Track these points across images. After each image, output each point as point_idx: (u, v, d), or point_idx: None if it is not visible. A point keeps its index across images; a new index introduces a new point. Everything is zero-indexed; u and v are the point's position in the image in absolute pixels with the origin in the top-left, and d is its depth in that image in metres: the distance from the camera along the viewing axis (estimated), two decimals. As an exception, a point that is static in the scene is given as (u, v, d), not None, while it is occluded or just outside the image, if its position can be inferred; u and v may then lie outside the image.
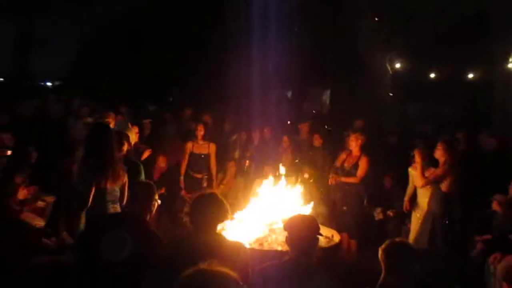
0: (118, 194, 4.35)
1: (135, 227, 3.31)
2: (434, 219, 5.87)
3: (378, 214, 7.31)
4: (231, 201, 7.34)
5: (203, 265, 1.77)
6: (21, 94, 9.87)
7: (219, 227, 3.27)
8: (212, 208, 3.17)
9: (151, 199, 3.54)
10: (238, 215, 5.48)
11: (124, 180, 4.40)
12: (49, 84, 19.49)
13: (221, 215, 3.20)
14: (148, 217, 3.53)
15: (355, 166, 6.62)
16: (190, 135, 7.82)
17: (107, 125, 4.78)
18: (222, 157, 8.05)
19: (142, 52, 15.29)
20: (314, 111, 12.47)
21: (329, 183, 6.85)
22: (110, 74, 15.17)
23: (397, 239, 3.33)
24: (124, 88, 13.45)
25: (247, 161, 8.39)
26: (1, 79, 18.18)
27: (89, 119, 7.81)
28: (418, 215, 6.13)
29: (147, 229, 3.43)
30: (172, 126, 9.26)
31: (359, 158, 6.65)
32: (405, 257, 3.15)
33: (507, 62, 9.06)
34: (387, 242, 3.23)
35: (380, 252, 3.19)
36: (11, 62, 17.92)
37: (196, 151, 7.43)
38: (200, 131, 7.39)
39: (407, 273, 3.11)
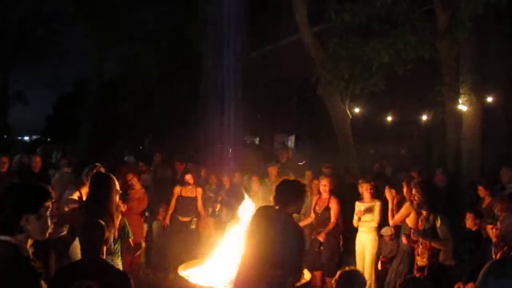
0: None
1: (99, 271, 3.23)
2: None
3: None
4: (205, 239, 7.76)
5: None
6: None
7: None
8: None
9: (103, 237, 3.39)
10: (211, 257, 5.67)
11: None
12: (26, 138, 19.47)
13: None
14: (104, 255, 3.43)
15: (327, 208, 7.01)
16: (166, 182, 8.18)
17: (108, 175, 4.75)
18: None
19: (116, 105, 15.65)
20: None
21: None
22: (85, 127, 15.40)
23: (347, 269, 3.42)
24: (99, 139, 13.71)
25: (219, 205, 8.61)
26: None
27: (68, 170, 8.16)
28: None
29: (111, 269, 3.37)
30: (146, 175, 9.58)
31: (329, 201, 7.04)
32: (359, 285, 3.29)
33: (456, 103, 9.36)
34: (338, 273, 3.34)
35: (333, 284, 3.32)
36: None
37: (185, 194, 7.88)
38: (190, 180, 7.99)
39: None
